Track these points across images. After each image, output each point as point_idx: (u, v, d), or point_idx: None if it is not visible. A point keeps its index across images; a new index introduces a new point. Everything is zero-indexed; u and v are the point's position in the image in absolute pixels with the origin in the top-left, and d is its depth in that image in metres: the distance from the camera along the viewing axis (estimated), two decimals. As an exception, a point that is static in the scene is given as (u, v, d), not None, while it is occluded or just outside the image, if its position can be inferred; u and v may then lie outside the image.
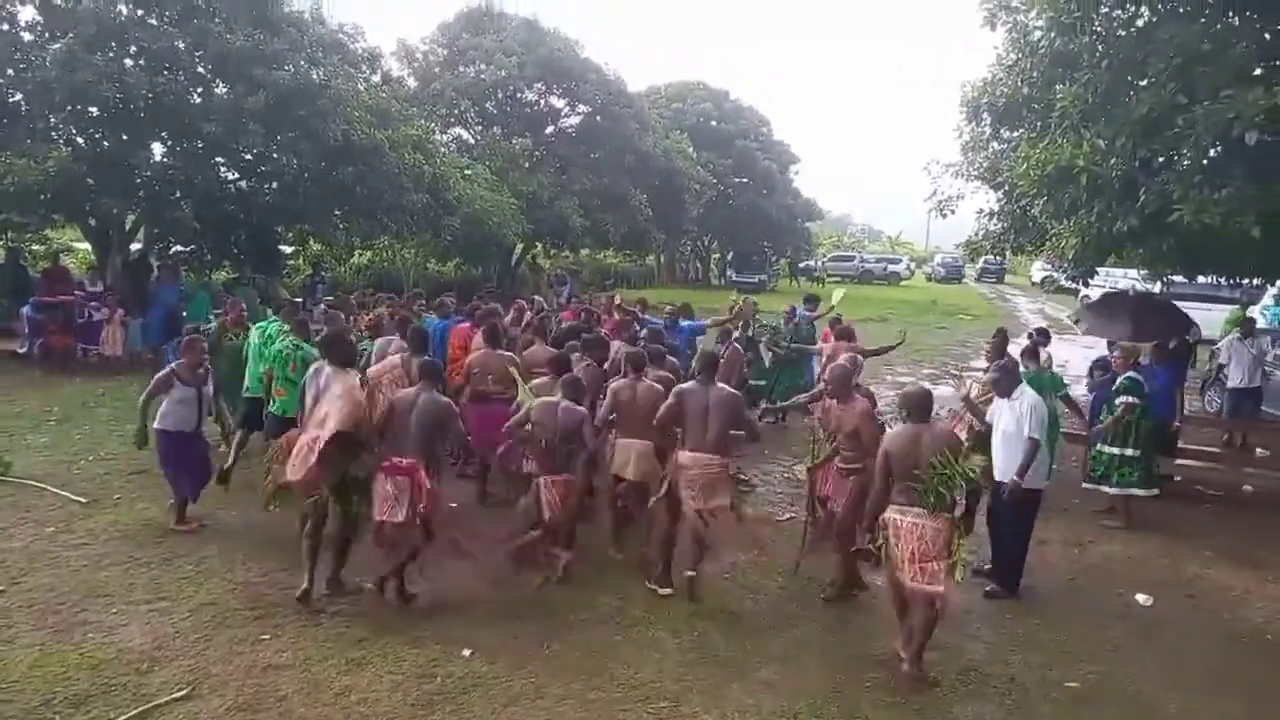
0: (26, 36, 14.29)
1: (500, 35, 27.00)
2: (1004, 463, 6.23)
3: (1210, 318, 14.37)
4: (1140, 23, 8.53)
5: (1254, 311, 17.12)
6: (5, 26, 14.05)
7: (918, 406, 5.33)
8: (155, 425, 6.89)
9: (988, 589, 6.39)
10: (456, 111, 26.28)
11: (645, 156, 28.46)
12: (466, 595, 5.97)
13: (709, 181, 33.98)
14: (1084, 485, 8.38)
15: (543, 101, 29.07)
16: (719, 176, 36.54)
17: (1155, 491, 8.11)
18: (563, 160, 27.93)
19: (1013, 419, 6.23)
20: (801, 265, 47.06)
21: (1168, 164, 8.15)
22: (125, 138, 14.54)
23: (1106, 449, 8.06)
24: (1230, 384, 11.48)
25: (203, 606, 5.67)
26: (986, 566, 6.56)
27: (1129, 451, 7.98)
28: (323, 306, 13.26)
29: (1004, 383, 6.45)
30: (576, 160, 27.89)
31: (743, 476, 8.37)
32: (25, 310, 13.34)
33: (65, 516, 7.15)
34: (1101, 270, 16.16)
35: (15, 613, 5.47)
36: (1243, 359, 11.23)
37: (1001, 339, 9.55)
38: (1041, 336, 9.45)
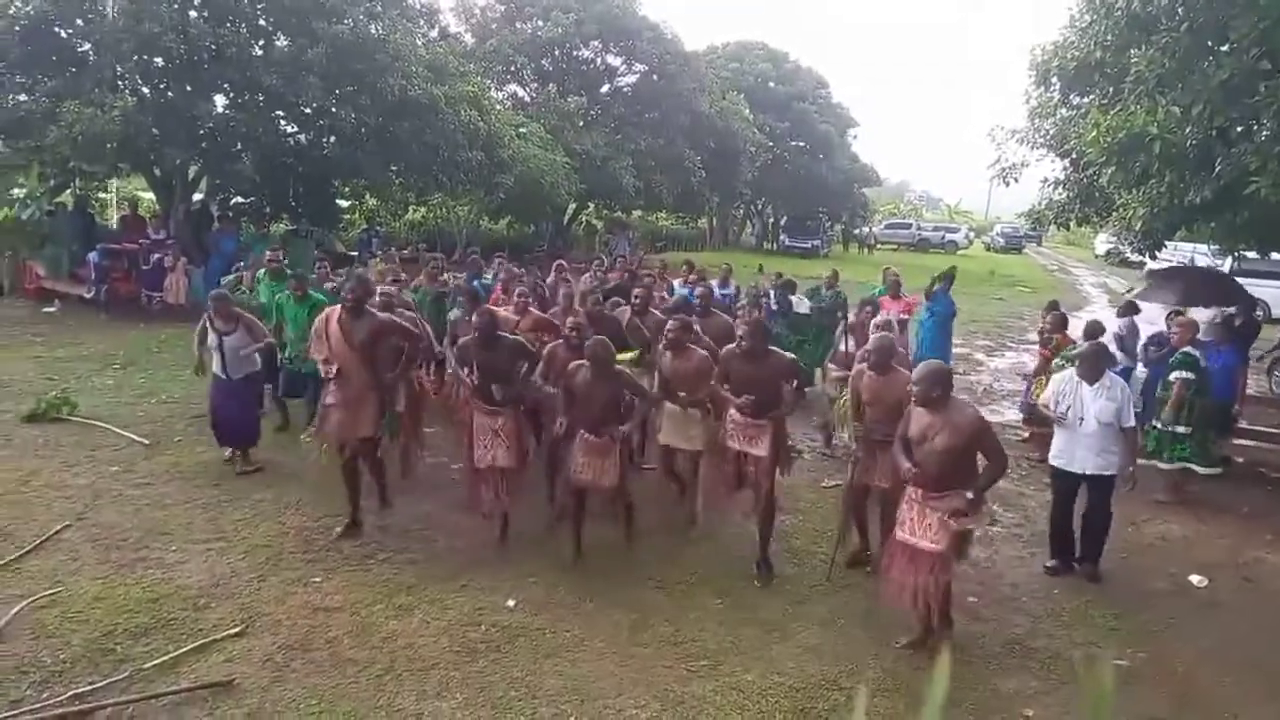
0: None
1: (559, -10, 26.76)
2: (1095, 452, 5.96)
3: (1281, 296, 13.90)
4: (1224, -17, 8.17)
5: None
6: (75, -24, 14.30)
7: (934, 384, 4.86)
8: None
9: (1049, 565, 6.29)
10: (513, 68, 26.19)
11: (701, 117, 28.13)
12: (513, 548, 6.06)
13: (765, 144, 33.52)
14: (1138, 462, 8.16)
15: (599, 59, 28.80)
16: (775, 139, 36.02)
17: (1216, 470, 7.88)
18: (617, 120, 27.71)
19: (1110, 408, 5.86)
20: (856, 232, 46.41)
21: (1246, 134, 7.85)
22: (189, 89, 14.77)
23: (1159, 425, 7.84)
24: None
25: (257, 548, 5.84)
26: (1051, 563, 6.32)
27: (1180, 429, 7.73)
28: (370, 263, 13.44)
29: (1093, 365, 6.05)
30: (631, 120, 27.66)
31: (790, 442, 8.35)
32: (92, 257, 13.73)
33: (128, 456, 7.40)
34: (1170, 244, 15.68)
35: (80, 546, 5.70)
36: None
37: (1059, 315, 9.29)
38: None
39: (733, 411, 5.90)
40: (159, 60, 14.35)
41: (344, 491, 6.17)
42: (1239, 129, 7.86)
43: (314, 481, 6.90)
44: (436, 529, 6.33)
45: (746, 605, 5.51)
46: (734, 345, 5.92)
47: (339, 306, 6.09)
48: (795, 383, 6.07)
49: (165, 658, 4.48)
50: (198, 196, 17.38)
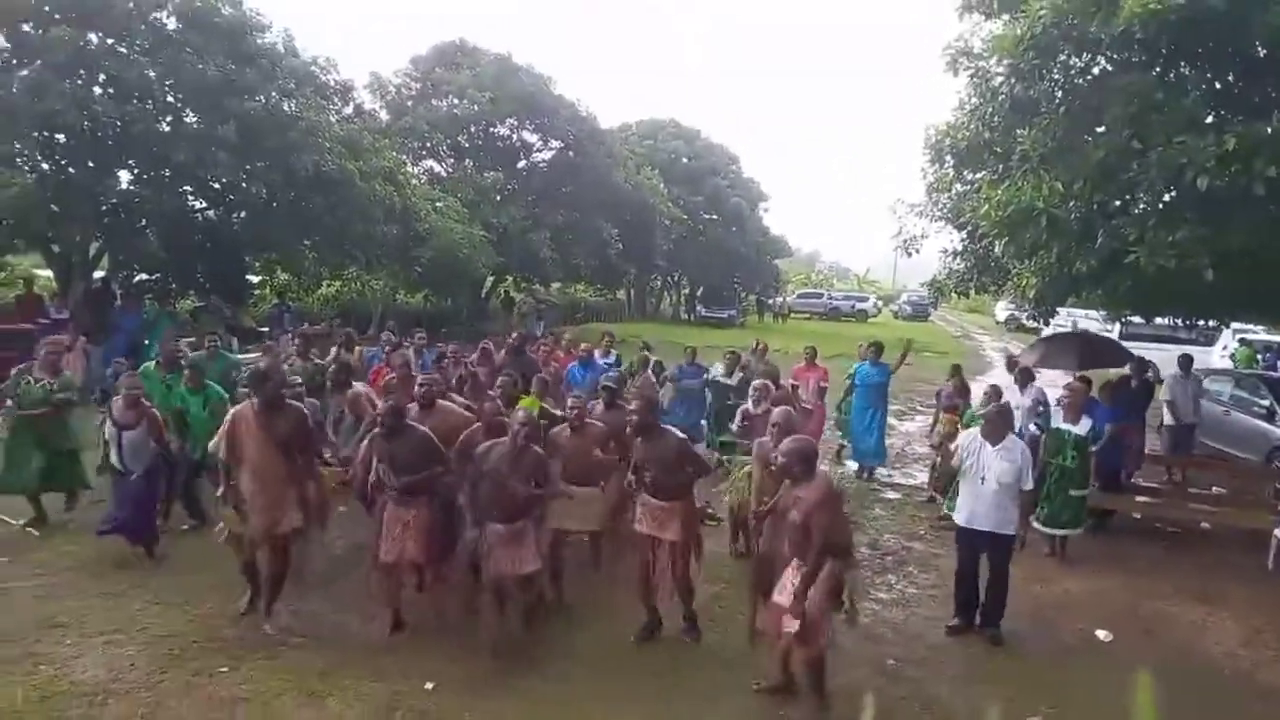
0: (-8, 62, 14.18)
1: (474, 70, 27.19)
2: (994, 511, 6.10)
3: (1167, 358, 14.71)
4: (1097, 71, 8.83)
5: (1213, 352, 17.57)
6: (-28, 52, 13.96)
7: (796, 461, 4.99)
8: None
9: (950, 624, 6.41)
10: (429, 144, 26.38)
11: (616, 191, 28.71)
12: (431, 628, 5.90)
13: (679, 217, 34.36)
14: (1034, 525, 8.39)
15: (515, 136, 29.24)
16: (689, 212, 36.96)
17: (1071, 531, 8.17)
18: (534, 194, 28.07)
19: (1010, 469, 6.03)
20: (770, 301, 47.58)
21: (1124, 207, 8.38)
22: (91, 165, 14.42)
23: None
24: (1169, 421, 11.79)
25: (159, 639, 5.57)
26: (953, 622, 6.42)
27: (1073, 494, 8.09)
28: (291, 336, 13.14)
29: (996, 427, 6.23)
30: (548, 194, 28.05)
31: (709, 511, 8.40)
32: (-16, 337, 13.08)
33: (20, 547, 7.00)
34: (1062, 310, 16.51)
35: (-36, 645, 5.33)
36: (1186, 396, 11.56)
37: (960, 378, 9.72)
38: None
39: (643, 495, 5.88)
40: (60, 136, 14.01)
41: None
42: (1117, 203, 8.40)
43: (222, 569, 6.62)
44: (350, 613, 6.13)
45: (670, 674, 5.47)
46: (627, 423, 5.96)
47: (248, 406, 5.83)
48: (692, 466, 5.98)
49: (57, 761, 4.21)
50: (99, 274, 16.83)
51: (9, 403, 7.50)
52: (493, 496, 5.53)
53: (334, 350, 8.63)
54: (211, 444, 6.10)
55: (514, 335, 10.50)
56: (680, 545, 5.77)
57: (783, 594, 4.99)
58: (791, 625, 4.84)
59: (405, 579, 5.94)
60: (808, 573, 4.84)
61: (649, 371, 10.83)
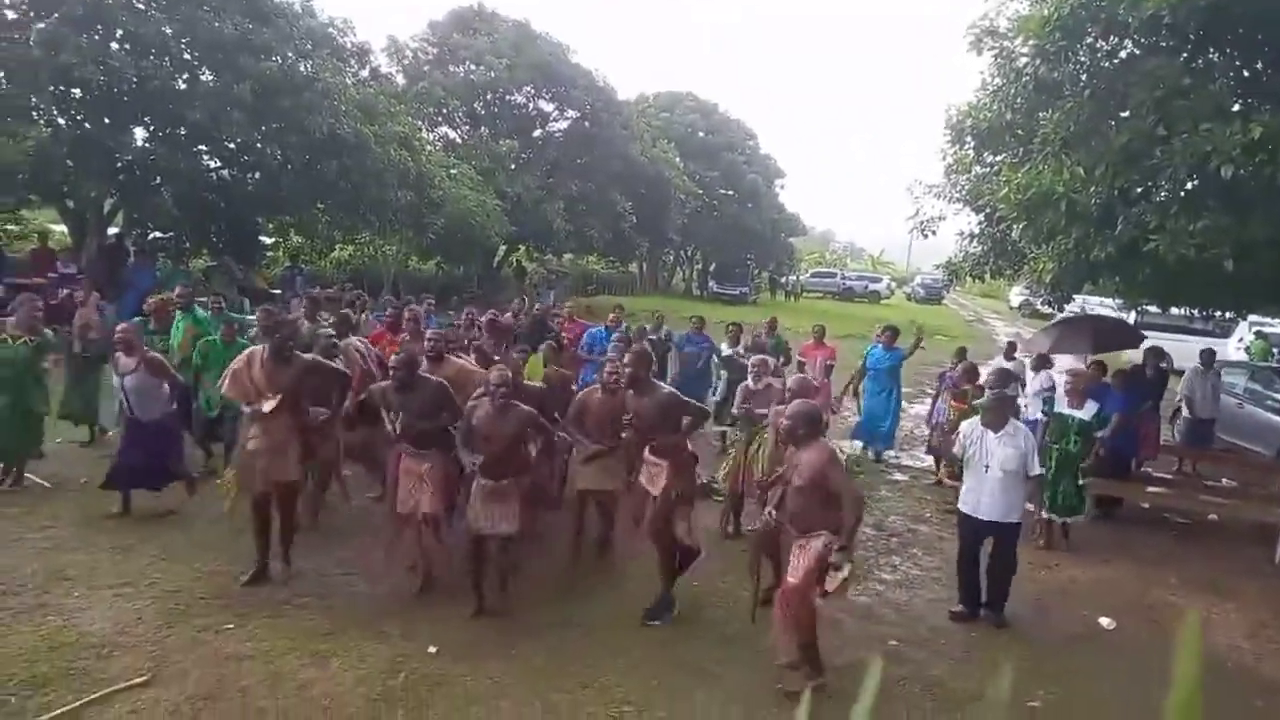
0: (10, 15, 14.15)
1: (491, 36, 27.01)
2: (999, 499, 6.04)
3: (1183, 349, 14.59)
4: (1123, 54, 8.68)
5: (1228, 344, 17.42)
6: (-10, 4, 13.95)
7: (800, 423, 4.99)
8: None
9: (954, 610, 6.40)
10: (445, 110, 26.26)
11: (632, 163, 28.55)
12: (435, 592, 5.93)
13: (694, 191, 34.15)
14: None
15: (531, 104, 29.09)
16: (705, 187, 36.73)
17: (1072, 517, 8.14)
18: (549, 164, 27.94)
19: (1015, 456, 5.97)
20: (782, 280, 47.39)
21: (1145, 194, 8.27)
22: (108, 121, 14.43)
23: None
24: (1186, 414, 11.72)
25: (166, 594, 5.62)
26: (957, 608, 6.38)
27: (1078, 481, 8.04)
28: (301, 299, 13.16)
29: (997, 414, 6.15)
30: (563, 164, 27.92)
31: (715, 485, 8.42)
32: (-3, 290, 13.17)
33: (30, 499, 7.06)
34: (1078, 297, 16.36)
35: (-26, 594, 5.40)
36: (1206, 390, 11.48)
37: (967, 361, 9.69)
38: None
39: (646, 451, 5.93)
40: (76, 91, 14.00)
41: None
42: (1139, 190, 8.29)
43: (229, 525, 6.67)
44: (356, 574, 6.18)
45: (672, 648, 5.49)
46: (617, 379, 6.03)
47: (261, 349, 5.95)
48: (688, 417, 6.07)
49: (66, 709, 4.26)
50: (113, 230, 16.86)
51: None
52: (480, 453, 5.58)
53: (343, 312, 8.71)
54: (222, 384, 6.11)
55: (536, 306, 10.64)
56: (661, 502, 5.75)
57: (795, 575, 4.95)
58: (795, 577, 4.85)
59: (422, 531, 5.96)
60: (848, 528, 4.78)
61: (656, 335, 10.88)
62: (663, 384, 6.08)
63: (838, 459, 5.04)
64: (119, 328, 7.05)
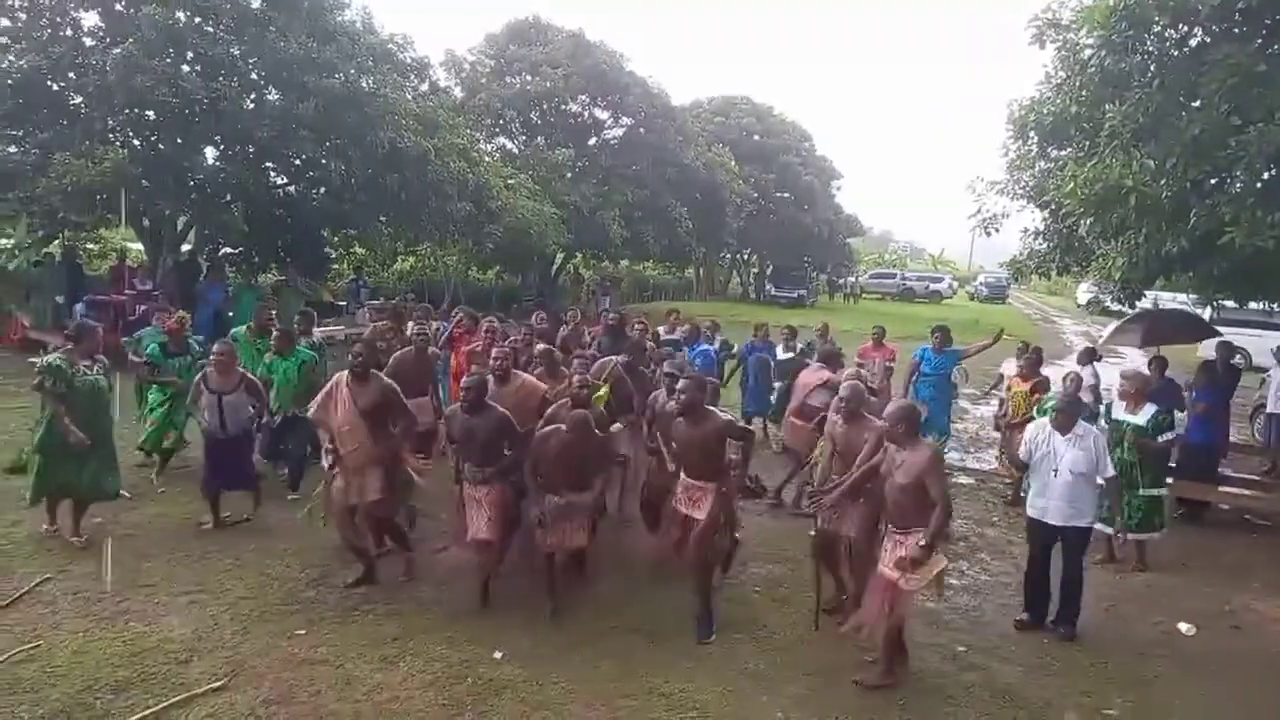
0: (88, 42, 14.73)
1: (547, 47, 27.28)
2: (1066, 502, 5.87)
3: (1262, 344, 14.06)
4: (1193, 43, 8.41)
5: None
6: (69, 32, 14.57)
7: (899, 421, 5.12)
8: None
9: (1019, 619, 6.20)
10: (501, 121, 26.57)
11: (687, 169, 28.54)
12: (500, 598, 5.99)
13: (750, 195, 34.02)
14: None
15: (587, 113, 29.28)
16: (760, 190, 36.57)
17: (1148, 534, 7.52)
18: (605, 171, 28.08)
19: (1082, 458, 5.81)
20: (841, 281, 46.90)
21: (1220, 186, 8.01)
22: (180, 141, 14.91)
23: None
24: (1273, 409, 11.25)
25: (241, 600, 5.78)
26: (1022, 617, 6.20)
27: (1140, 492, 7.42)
28: (367, 310, 13.46)
29: (1067, 416, 5.97)
30: (619, 171, 28.03)
31: (764, 485, 8.35)
32: (78, 308, 13.70)
33: (111, 509, 7.31)
34: (1149, 293, 15.85)
35: (61, 599, 5.62)
36: None
37: (1036, 355, 9.44)
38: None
39: (681, 474, 5.91)
40: (150, 113, 14.50)
41: (329, 543, 6.13)
42: (1212, 181, 8.03)
43: (299, 533, 6.84)
44: (422, 580, 6.28)
45: (735, 655, 5.47)
46: (672, 404, 5.89)
47: (346, 373, 6.05)
48: (741, 442, 6.01)
49: (147, 712, 4.41)
50: (186, 247, 17.43)
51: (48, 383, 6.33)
52: (552, 473, 5.76)
53: (410, 325, 8.79)
54: (312, 407, 6.24)
55: (611, 315, 10.60)
56: (705, 525, 5.70)
57: (889, 566, 5.04)
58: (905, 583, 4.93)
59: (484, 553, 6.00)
60: (935, 531, 4.87)
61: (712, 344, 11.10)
62: (715, 412, 5.87)
63: (939, 464, 5.06)
64: (216, 348, 7.24)
